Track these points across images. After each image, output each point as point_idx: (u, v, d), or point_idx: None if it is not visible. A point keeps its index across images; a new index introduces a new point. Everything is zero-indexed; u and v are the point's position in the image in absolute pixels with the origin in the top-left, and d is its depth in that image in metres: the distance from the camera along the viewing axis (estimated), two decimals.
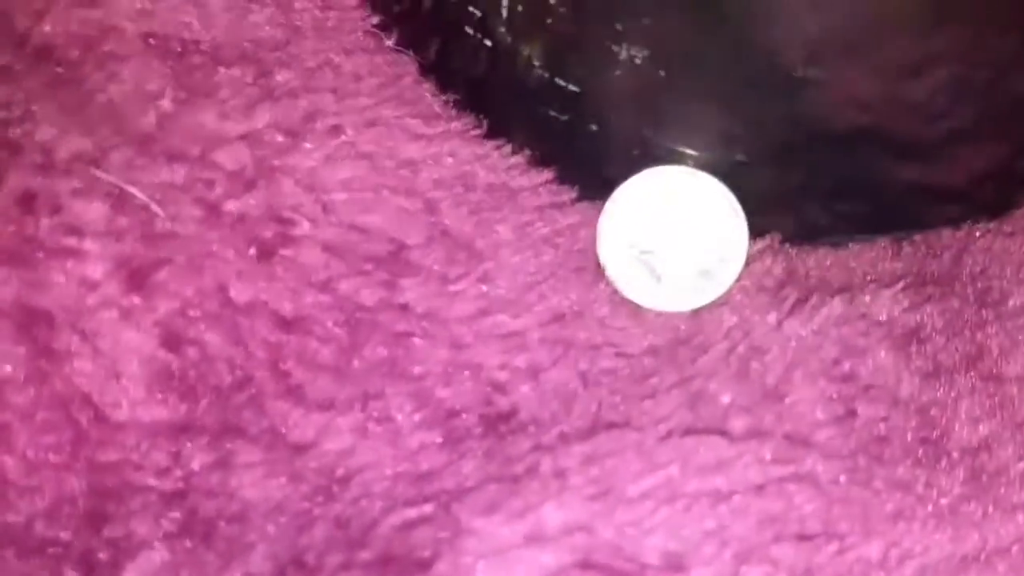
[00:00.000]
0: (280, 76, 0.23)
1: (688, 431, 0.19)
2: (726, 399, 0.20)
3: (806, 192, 0.24)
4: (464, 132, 0.23)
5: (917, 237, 0.24)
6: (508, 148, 0.23)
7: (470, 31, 0.23)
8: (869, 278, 0.22)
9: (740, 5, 0.21)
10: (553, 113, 0.22)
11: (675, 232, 0.22)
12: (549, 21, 0.22)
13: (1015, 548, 0.19)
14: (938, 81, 0.23)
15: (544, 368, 0.21)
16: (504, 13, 0.22)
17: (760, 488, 0.19)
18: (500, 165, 0.23)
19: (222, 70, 0.23)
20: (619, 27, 0.21)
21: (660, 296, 0.22)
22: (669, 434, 0.19)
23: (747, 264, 0.22)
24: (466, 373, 0.21)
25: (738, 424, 0.20)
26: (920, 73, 0.22)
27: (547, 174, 0.23)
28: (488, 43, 0.23)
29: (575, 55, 0.22)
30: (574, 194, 0.23)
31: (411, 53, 0.24)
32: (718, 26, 0.21)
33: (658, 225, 0.22)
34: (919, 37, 0.22)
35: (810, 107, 0.23)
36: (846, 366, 0.21)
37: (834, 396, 0.20)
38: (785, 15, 0.21)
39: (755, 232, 0.23)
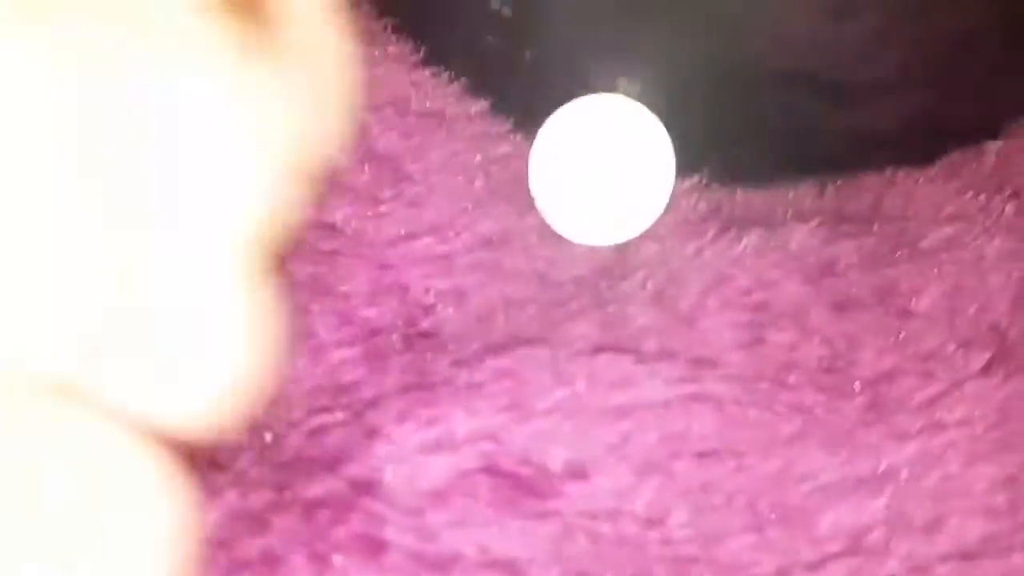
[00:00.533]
0: None
1: (598, 349, 0.20)
2: (639, 322, 0.21)
3: (735, 132, 0.25)
4: (400, 57, 0.23)
5: (842, 181, 0.24)
6: (445, 76, 0.24)
7: None
8: (789, 214, 0.23)
9: None
10: (489, 39, 0.23)
11: (604, 165, 0.23)
12: None
13: (904, 473, 0.20)
14: (865, 26, 0.23)
15: (468, 292, 0.22)
16: None
17: (664, 405, 0.20)
18: (436, 92, 0.23)
19: None
20: None
21: (587, 228, 0.23)
22: (580, 352, 0.20)
23: (674, 200, 0.23)
24: (392, 293, 0.22)
25: (648, 345, 0.20)
26: (848, 16, 0.23)
27: (483, 103, 0.24)
28: None
29: None
30: (509, 125, 0.24)
31: None
32: None
33: (588, 157, 0.23)
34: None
35: (742, 47, 0.23)
36: (759, 295, 0.22)
37: (744, 323, 0.21)
38: None
39: (685, 169, 0.24)
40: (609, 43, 0.23)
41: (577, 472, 0.19)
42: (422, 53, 0.23)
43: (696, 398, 0.20)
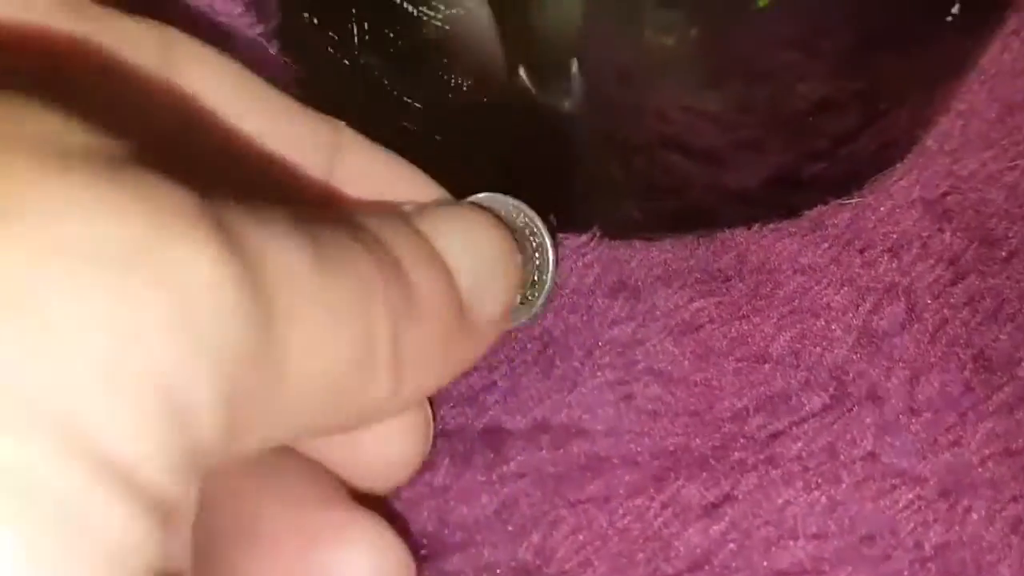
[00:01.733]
0: None
1: (487, 431, 0.24)
2: (526, 394, 0.25)
3: (621, 191, 0.28)
4: None
5: (718, 235, 0.28)
6: None
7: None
8: (658, 277, 0.27)
9: (554, 37, 0.25)
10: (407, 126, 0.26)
11: None
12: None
13: (742, 497, 0.24)
14: (727, 96, 0.27)
15: None
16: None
17: (539, 469, 0.24)
18: None
19: None
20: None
21: None
22: (478, 434, 0.24)
23: (566, 257, 0.27)
24: None
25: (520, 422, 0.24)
26: (712, 88, 0.26)
27: None
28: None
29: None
30: None
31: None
32: (539, 54, 0.26)
33: None
34: (709, 59, 0.26)
35: (621, 117, 0.27)
36: (630, 355, 0.25)
37: (617, 382, 0.25)
38: (596, 44, 0.25)
39: (580, 225, 0.27)
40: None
41: None
42: None
43: (572, 457, 0.24)
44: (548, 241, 0.24)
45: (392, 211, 0.19)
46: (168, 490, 0.12)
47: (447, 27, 0.20)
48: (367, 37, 0.22)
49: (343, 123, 0.22)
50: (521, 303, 0.24)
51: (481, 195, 0.23)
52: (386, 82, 0.24)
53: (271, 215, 0.14)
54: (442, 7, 0.21)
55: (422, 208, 0.20)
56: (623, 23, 0.22)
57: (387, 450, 0.21)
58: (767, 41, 0.25)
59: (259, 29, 0.29)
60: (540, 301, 0.24)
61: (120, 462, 0.11)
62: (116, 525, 0.11)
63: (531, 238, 0.24)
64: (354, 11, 0.22)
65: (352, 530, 0.19)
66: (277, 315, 0.14)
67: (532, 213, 0.24)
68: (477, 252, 0.19)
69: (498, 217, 0.22)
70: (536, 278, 0.24)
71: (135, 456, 0.12)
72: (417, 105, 0.26)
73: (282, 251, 0.14)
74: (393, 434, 0.21)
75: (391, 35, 0.22)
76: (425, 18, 0.20)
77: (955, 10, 0.26)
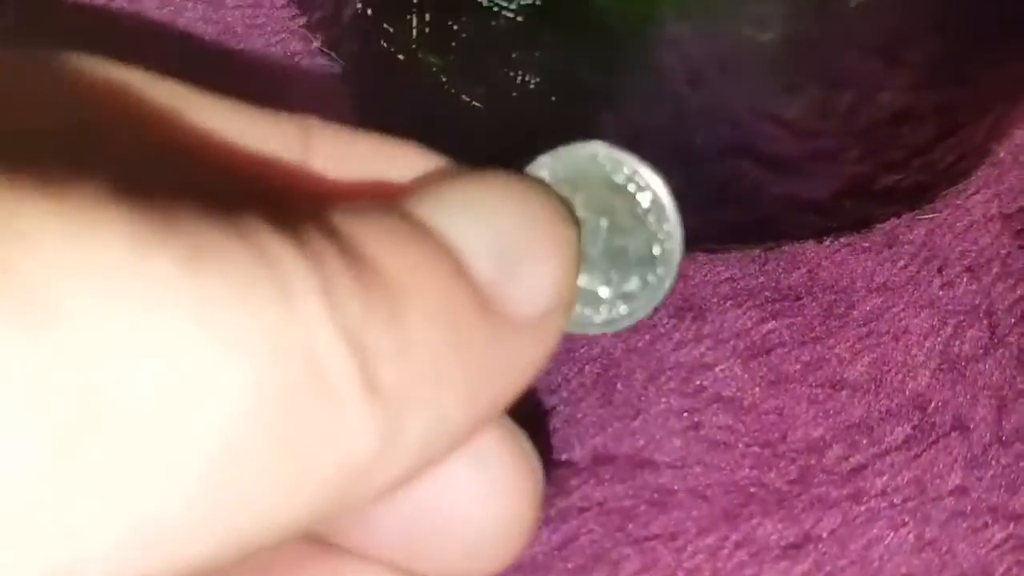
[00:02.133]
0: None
1: (547, 462, 0.22)
2: (586, 422, 0.23)
3: (685, 199, 0.26)
4: None
5: (785, 248, 0.26)
6: None
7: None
8: (725, 296, 0.25)
9: (631, 31, 0.24)
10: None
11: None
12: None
13: (826, 536, 0.22)
14: (806, 102, 0.25)
15: None
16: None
17: (602, 504, 0.22)
18: None
19: None
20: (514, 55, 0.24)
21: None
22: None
23: None
24: None
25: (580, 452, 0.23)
26: (791, 93, 0.25)
27: None
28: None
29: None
30: None
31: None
32: (613, 50, 0.24)
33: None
34: (791, 61, 0.24)
35: (691, 121, 0.25)
36: (696, 381, 0.24)
37: (683, 410, 0.23)
38: (671, 43, 0.24)
39: None
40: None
41: None
42: None
43: (636, 496, 0.22)
44: (666, 200, 0.17)
45: (378, 193, 0.15)
46: None
47: (519, 19, 0.18)
48: (427, 30, 0.20)
49: (311, 117, 0.17)
50: (642, 287, 0.16)
51: (547, 154, 0.16)
52: (444, 79, 0.22)
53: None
54: None
55: (420, 184, 0.15)
56: (699, 18, 0.20)
57: (485, 521, 0.15)
58: (851, 45, 0.23)
59: (301, 21, 0.27)
60: (668, 281, 0.16)
61: None
62: None
63: (637, 197, 0.17)
64: (416, 2, 0.20)
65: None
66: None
67: (637, 163, 0.16)
68: (500, 228, 0.14)
69: (563, 184, 0.16)
70: (656, 250, 0.17)
71: None
72: (477, 104, 0.25)
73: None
74: (486, 495, 0.15)
75: (455, 27, 0.20)
76: (496, 8, 0.18)
77: None
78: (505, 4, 0.18)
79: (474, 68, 0.21)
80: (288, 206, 0.14)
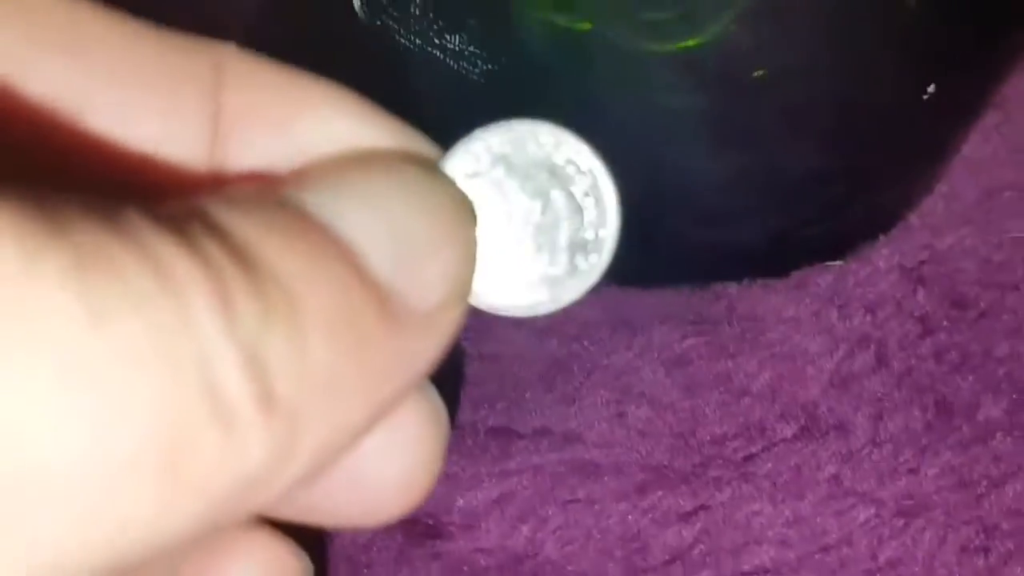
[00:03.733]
0: None
1: (495, 430, 0.28)
2: (531, 404, 0.28)
3: (629, 245, 0.32)
4: None
5: (708, 288, 0.32)
6: None
7: None
8: (655, 316, 0.30)
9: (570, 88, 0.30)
10: None
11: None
12: None
13: (716, 507, 0.27)
14: (730, 167, 0.31)
15: None
16: None
17: (537, 469, 0.27)
18: None
19: None
20: None
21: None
22: (486, 432, 0.28)
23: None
24: None
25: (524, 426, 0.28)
26: (716, 157, 0.30)
27: None
28: None
29: None
30: None
31: None
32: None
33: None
34: (704, 126, 0.30)
35: (625, 174, 0.30)
36: (625, 380, 0.29)
37: (612, 402, 0.29)
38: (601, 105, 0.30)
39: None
40: None
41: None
42: None
43: (566, 462, 0.27)
44: (605, 183, 0.16)
45: (267, 184, 0.14)
46: None
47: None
48: None
49: (228, 45, 0.15)
50: (570, 273, 0.16)
51: (476, 130, 0.16)
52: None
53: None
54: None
55: (313, 173, 0.14)
56: (621, 87, 0.26)
57: (390, 472, 0.16)
58: (758, 113, 0.29)
59: None
60: (599, 268, 0.16)
61: None
62: None
63: (576, 180, 0.16)
64: None
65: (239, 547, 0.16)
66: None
67: (579, 144, 0.16)
68: (395, 220, 0.13)
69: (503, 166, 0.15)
70: (589, 235, 0.16)
71: None
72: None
73: None
74: (394, 449, 0.16)
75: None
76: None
77: (931, 89, 0.29)
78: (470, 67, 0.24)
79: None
80: (156, 191, 0.14)
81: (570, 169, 0.16)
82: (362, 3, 0.26)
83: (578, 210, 0.16)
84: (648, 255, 0.32)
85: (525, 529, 0.26)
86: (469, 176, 0.15)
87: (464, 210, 0.15)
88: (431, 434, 0.16)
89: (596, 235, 0.16)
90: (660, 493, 0.27)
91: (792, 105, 0.29)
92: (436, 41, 0.25)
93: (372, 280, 0.13)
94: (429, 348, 0.14)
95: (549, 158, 0.16)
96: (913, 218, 0.33)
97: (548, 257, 0.16)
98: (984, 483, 0.28)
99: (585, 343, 0.29)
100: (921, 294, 0.31)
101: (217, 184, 0.15)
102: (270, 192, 0.13)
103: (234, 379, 0.11)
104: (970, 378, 0.30)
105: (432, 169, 0.15)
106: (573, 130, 0.16)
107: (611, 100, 0.27)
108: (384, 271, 0.13)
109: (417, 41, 0.25)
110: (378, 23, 0.25)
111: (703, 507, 0.27)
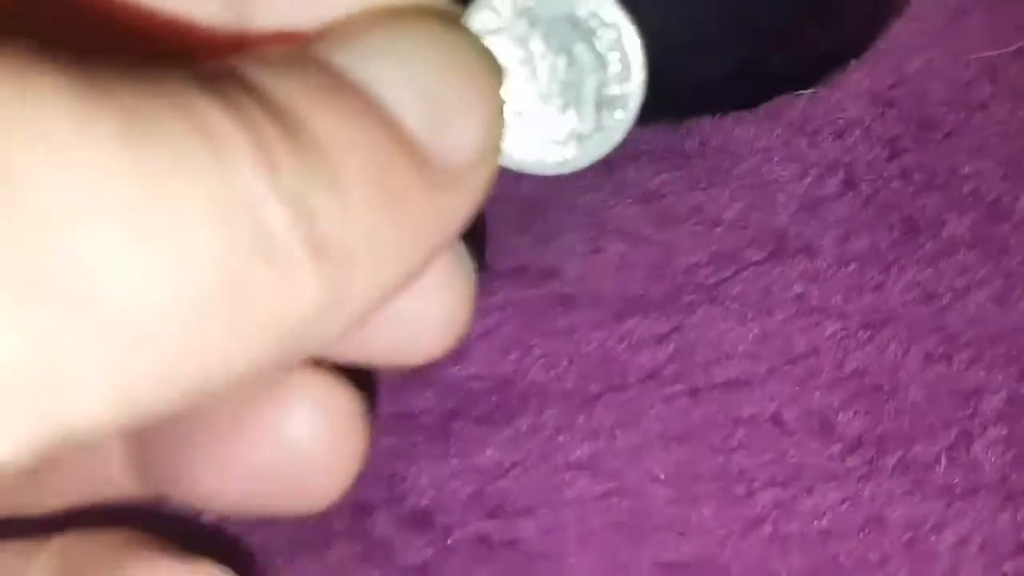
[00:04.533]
0: None
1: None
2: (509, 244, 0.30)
3: None
4: None
5: (685, 124, 0.32)
6: None
7: None
8: (627, 154, 0.31)
9: None
10: None
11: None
12: None
13: (687, 327, 0.28)
14: None
15: None
16: None
17: (518, 304, 0.29)
18: None
19: None
20: None
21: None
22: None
23: None
24: None
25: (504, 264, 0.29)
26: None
27: None
28: None
29: None
30: None
31: None
32: None
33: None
34: None
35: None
36: (600, 216, 0.30)
37: (587, 238, 0.30)
38: None
39: None
40: None
41: None
42: None
43: (542, 299, 0.29)
44: (629, 36, 0.16)
45: (296, 45, 0.14)
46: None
47: None
48: None
49: None
50: (597, 129, 0.16)
51: None
52: None
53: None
54: None
55: (340, 33, 0.14)
56: None
57: (430, 317, 0.17)
58: None
59: None
60: (625, 124, 0.17)
61: None
62: None
63: (599, 33, 0.16)
64: None
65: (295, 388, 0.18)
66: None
67: None
68: (426, 77, 0.14)
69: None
70: (615, 90, 0.16)
71: None
72: None
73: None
74: (430, 296, 0.17)
75: None
76: None
77: None
78: None
79: None
80: (184, 54, 0.15)
81: (593, 22, 0.16)
82: None
83: (602, 64, 0.16)
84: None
85: (512, 357, 0.28)
86: (491, 32, 0.16)
87: (492, 67, 0.15)
88: (463, 278, 0.18)
89: (621, 90, 0.16)
90: (636, 319, 0.29)
91: None
92: None
93: (408, 139, 0.13)
94: (463, 205, 0.15)
95: (572, 11, 0.16)
96: (882, 43, 0.34)
97: (575, 113, 0.16)
98: (948, 295, 0.29)
99: (559, 185, 0.30)
100: (889, 117, 0.32)
101: (244, 47, 0.16)
102: (301, 53, 0.13)
103: (284, 226, 0.12)
104: (936, 196, 0.31)
105: (458, 26, 0.15)
106: None
107: None
108: (418, 131, 0.14)
109: None
110: None
111: (676, 329, 0.28)
